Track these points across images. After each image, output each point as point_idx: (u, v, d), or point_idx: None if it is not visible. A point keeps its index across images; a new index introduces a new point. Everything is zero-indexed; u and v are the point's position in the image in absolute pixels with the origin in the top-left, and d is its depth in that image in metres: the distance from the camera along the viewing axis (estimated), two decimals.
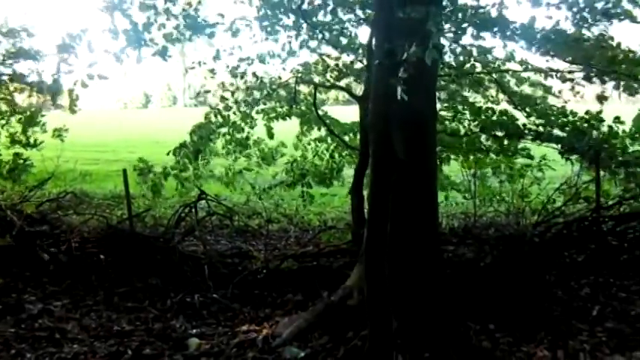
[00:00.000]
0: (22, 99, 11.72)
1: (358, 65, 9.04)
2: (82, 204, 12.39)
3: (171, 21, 7.74)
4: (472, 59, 8.26)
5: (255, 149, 11.34)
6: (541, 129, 8.43)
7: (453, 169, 10.91)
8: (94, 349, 5.75)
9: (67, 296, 7.21)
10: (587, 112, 8.40)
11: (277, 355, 5.42)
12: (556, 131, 8.30)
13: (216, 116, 10.13)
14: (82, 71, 7.43)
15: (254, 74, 9.35)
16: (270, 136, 10.91)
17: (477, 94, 9.84)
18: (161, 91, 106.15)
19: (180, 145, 10.31)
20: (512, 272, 6.51)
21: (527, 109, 8.62)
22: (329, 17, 8.06)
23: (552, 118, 8.48)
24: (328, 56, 9.23)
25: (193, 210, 9.12)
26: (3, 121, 11.45)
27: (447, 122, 9.37)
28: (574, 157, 8.73)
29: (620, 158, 8.16)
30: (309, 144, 11.37)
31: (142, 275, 7.64)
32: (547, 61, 7.29)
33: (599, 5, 5.85)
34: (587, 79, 5.98)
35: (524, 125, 8.60)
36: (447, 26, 4.82)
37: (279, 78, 9.47)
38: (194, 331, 6.26)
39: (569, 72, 6.72)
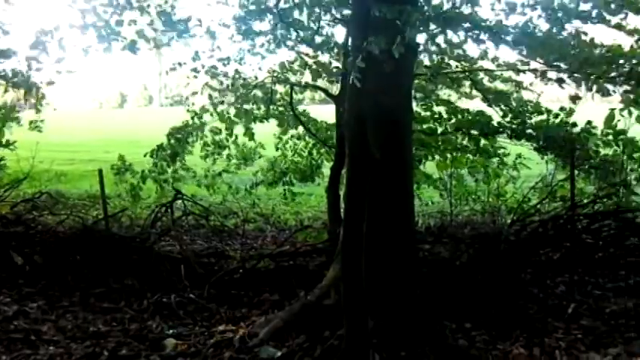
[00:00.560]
0: None
1: (335, 64, 9.01)
2: (58, 204, 12.20)
3: (145, 17, 7.65)
4: (446, 57, 8.28)
5: (234, 150, 11.30)
6: (514, 126, 8.49)
7: (434, 167, 10.97)
8: (70, 351, 5.71)
9: (43, 297, 7.14)
10: (561, 109, 8.52)
11: (254, 354, 5.42)
12: (530, 131, 8.37)
13: (193, 118, 10.10)
14: (50, 67, 7.34)
15: (236, 71, 9.28)
16: (250, 136, 10.87)
17: (450, 91, 9.88)
18: (137, 90, 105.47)
19: (158, 147, 10.25)
20: (488, 271, 6.55)
21: (502, 107, 8.68)
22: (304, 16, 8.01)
23: (527, 114, 8.57)
24: (306, 54, 9.20)
25: (169, 210, 9.08)
26: None
27: (422, 121, 9.39)
28: (549, 156, 8.83)
29: (592, 161, 8.32)
30: (287, 142, 11.41)
31: (118, 276, 7.60)
32: (520, 62, 7.35)
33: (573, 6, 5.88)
34: (560, 81, 6.01)
35: (499, 124, 8.66)
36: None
37: (256, 78, 9.43)
38: (171, 331, 6.23)
39: (543, 72, 6.74)
